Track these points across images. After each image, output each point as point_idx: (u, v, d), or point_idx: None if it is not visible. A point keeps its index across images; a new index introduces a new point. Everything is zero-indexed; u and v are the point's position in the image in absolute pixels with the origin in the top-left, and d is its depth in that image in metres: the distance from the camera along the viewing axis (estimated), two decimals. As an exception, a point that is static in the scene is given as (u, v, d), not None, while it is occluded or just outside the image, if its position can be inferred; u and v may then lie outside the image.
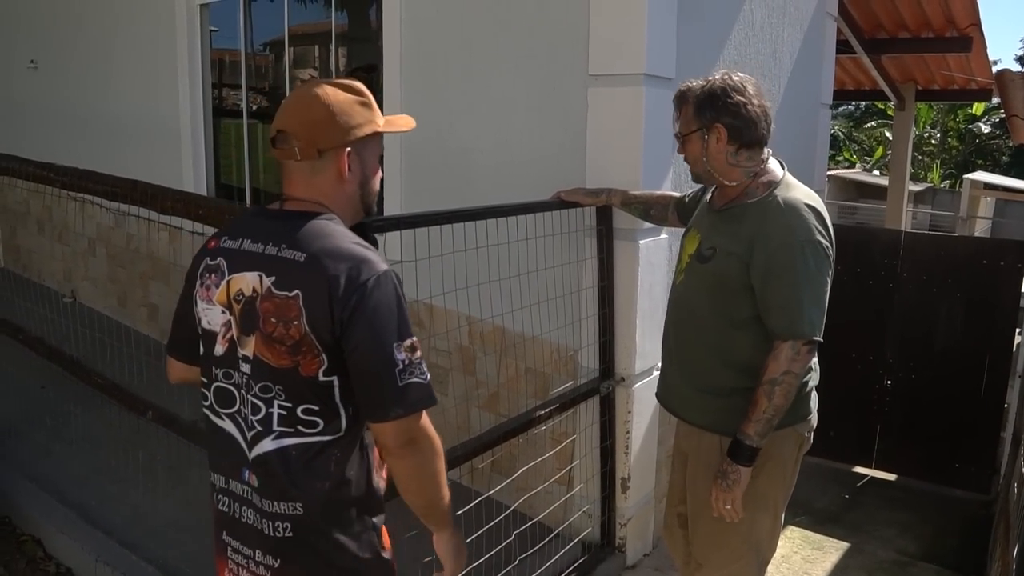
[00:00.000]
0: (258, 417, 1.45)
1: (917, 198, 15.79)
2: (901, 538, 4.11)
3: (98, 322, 5.26)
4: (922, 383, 4.84)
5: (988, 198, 15.06)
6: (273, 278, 1.41)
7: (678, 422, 2.40)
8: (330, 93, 1.50)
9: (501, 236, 2.71)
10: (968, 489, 4.79)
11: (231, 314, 1.46)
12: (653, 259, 3.29)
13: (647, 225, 3.21)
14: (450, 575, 1.63)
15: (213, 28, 5.28)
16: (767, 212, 2.08)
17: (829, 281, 2.08)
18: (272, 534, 1.46)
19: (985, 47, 6.17)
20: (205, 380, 1.55)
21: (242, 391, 1.47)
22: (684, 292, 2.29)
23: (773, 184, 2.13)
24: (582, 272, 3.22)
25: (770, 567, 3.60)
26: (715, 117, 2.09)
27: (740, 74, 2.14)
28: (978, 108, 20.54)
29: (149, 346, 4.38)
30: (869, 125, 22.97)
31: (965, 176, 14.92)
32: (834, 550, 3.86)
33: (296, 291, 1.39)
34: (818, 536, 3.98)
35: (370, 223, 2.06)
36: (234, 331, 1.46)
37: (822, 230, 2.06)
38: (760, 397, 2.03)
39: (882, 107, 19.43)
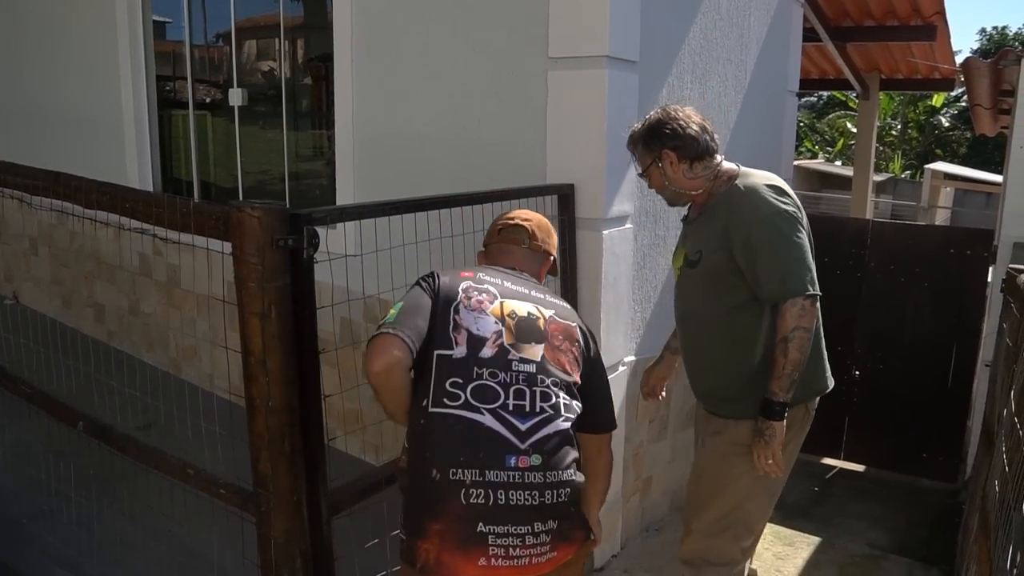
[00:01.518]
0: (549, 403, 1.79)
1: (879, 188, 15.91)
2: (872, 531, 4.06)
3: (42, 325, 5.01)
4: (890, 373, 4.79)
5: (948, 188, 15.23)
6: (552, 311, 1.93)
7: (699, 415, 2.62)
8: (546, 220, 2.25)
9: (459, 228, 2.56)
10: (936, 479, 4.76)
11: (503, 326, 1.83)
12: (618, 250, 3.16)
13: (611, 214, 3.08)
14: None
15: (167, 19, 5.06)
16: (731, 200, 2.30)
17: (806, 241, 2.25)
18: (555, 500, 1.75)
19: (949, 36, 6.14)
20: (460, 380, 1.76)
21: (514, 387, 1.78)
22: (683, 299, 2.50)
23: (733, 176, 2.35)
24: (544, 264, 3.08)
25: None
26: (660, 145, 2.33)
27: (673, 106, 2.40)
28: (938, 100, 20.79)
29: (98, 351, 4.16)
30: (831, 116, 23.14)
31: (926, 166, 15.08)
32: (805, 545, 3.79)
33: (575, 323, 1.96)
34: (788, 531, 3.91)
35: (307, 215, 1.91)
36: (505, 339, 1.82)
37: (784, 200, 2.25)
38: (777, 356, 2.20)
39: (843, 98, 19.55)
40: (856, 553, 3.77)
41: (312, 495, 2.01)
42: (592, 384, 1.94)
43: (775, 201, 2.23)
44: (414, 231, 2.42)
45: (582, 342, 1.96)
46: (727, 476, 2.40)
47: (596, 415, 1.94)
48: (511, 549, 1.72)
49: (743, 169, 2.37)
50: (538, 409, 1.78)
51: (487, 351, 1.79)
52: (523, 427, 1.75)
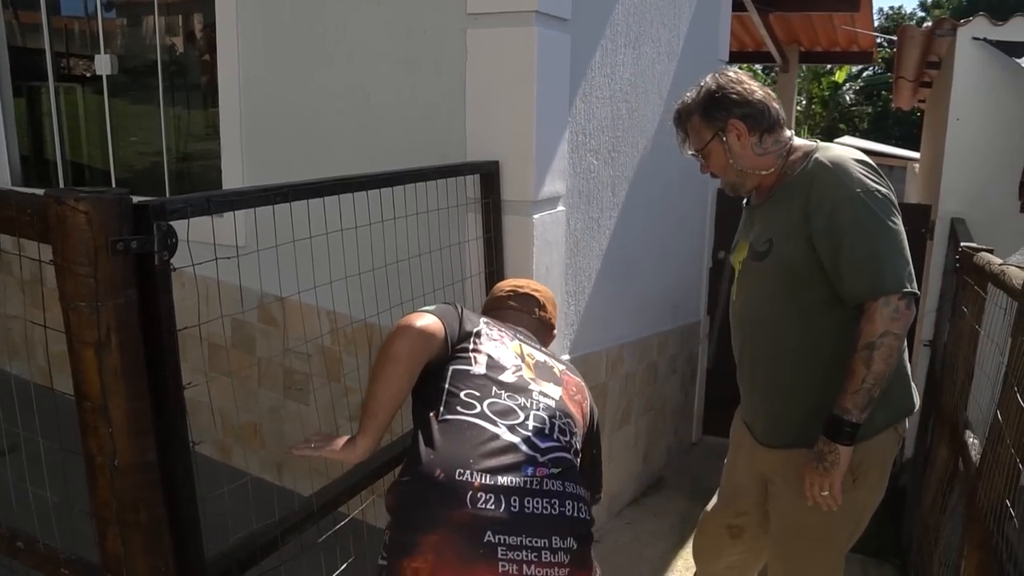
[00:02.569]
0: (566, 438, 1.66)
1: (787, 163, 16.07)
2: (818, 528, 3.83)
3: None
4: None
5: (853, 162, 15.49)
6: (563, 366, 1.87)
7: (744, 434, 2.19)
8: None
9: (363, 216, 2.11)
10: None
11: (523, 363, 1.75)
12: (550, 236, 2.77)
13: (542, 195, 2.68)
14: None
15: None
16: (814, 175, 1.89)
17: (902, 228, 1.84)
18: (575, 514, 1.55)
19: (871, 7, 6.00)
20: (477, 393, 1.62)
21: (534, 412, 1.64)
22: (745, 301, 2.07)
23: (811, 151, 1.94)
24: (465, 256, 2.66)
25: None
26: (727, 114, 1.94)
27: (731, 69, 2.02)
28: (840, 76, 21.23)
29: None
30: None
31: (836, 141, 15.31)
32: (752, 549, 3.52)
33: (580, 380, 1.89)
34: (733, 533, 3.64)
35: (158, 207, 1.43)
36: (524, 372, 1.73)
37: (877, 179, 1.85)
38: (857, 365, 1.79)
39: (751, 72, 19.70)
40: (806, 554, 3.52)
41: (184, 573, 1.55)
42: (590, 452, 1.84)
43: (866, 178, 1.83)
44: (319, 218, 1.95)
45: (589, 403, 1.86)
46: (821, 526, 1.97)
47: (588, 479, 1.80)
48: (525, 566, 1.46)
49: (821, 144, 1.98)
50: (556, 437, 1.63)
51: (508, 375, 1.68)
52: (542, 445, 1.59)
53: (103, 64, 3.84)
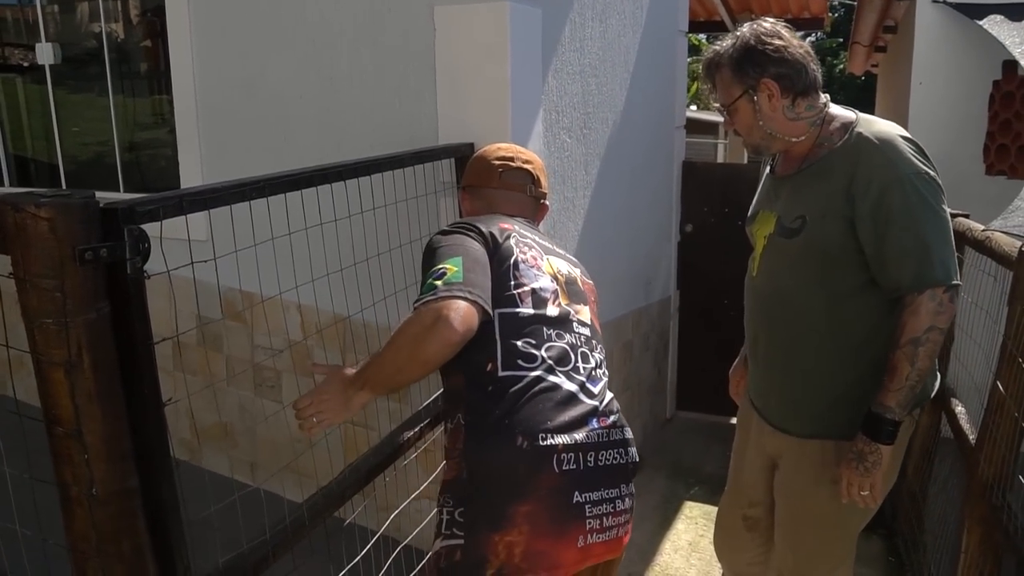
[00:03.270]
0: (603, 368, 1.66)
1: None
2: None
3: None
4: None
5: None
6: (580, 270, 1.78)
7: (750, 416, 2.10)
8: None
9: (331, 205, 1.98)
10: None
11: (558, 284, 1.65)
12: (528, 220, 2.67)
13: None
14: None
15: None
16: (859, 152, 1.75)
17: (948, 215, 1.75)
18: (633, 461, 1.60)
19: (823, -29, 5.97)
20: (533, 341, 1.54)
21: (579, 350, 1.60)
22: (768, 279, 1.93)
23: (850, 123, 1.80)
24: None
25: (680, 558, 3.21)
26: (760, 72, 1.79)
27: (768, 20, 1.83)
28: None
29: None
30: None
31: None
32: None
33: (589, 277, 1.82)
34: (715, 508, 3.62)
35: (128, 210, 1.30)
36: (562, 299, 1.64)
37: (926, 161, 1.73)
38: (900, 362, 1.70)
39: (696, 43, 19.74)
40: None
41: (172, 602, 1.43)
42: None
43: (916, 159, 1.71)
44: (283, 212, 1.82)
45: (597, 301, 1.83)
46: (834, 515, 1.91)
47: None
48: (605, 519, 1.51)
49: (861, 115, 1.83)
50: (599, 374, 1.64)
51: (552, 310, 1.60)
52: (595, 390, 1.59)
53: (45, 53, 3.60)
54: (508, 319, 1.54)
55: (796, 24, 7.83)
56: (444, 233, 1.61)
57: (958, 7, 4.20)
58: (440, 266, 1.49)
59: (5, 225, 1.21)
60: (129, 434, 1.34)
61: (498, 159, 1.85)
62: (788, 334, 1.90)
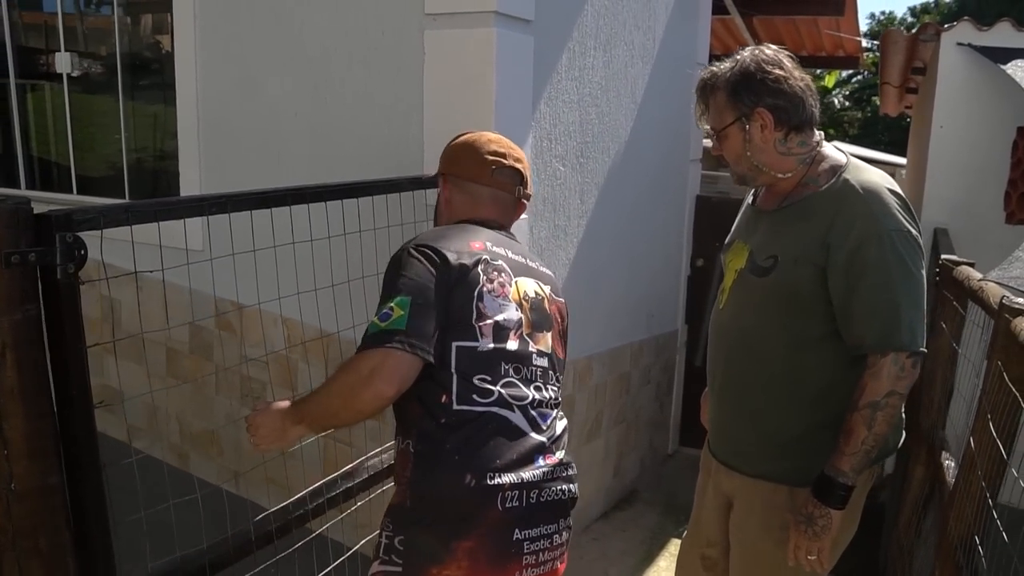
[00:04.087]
0: (555, 402, 1.63)
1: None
2: (792, 544, 3.75)
3: None
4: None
5: (843, 168, 15.44)
6: (548, 287, 1.71)
7: (710, 457, 2.05)
8: None
9: (323, 223, 2.01)
10: (853, 478, 4.51)
11: (522, 312, 1.60)
12: (513, 245, 2.68)
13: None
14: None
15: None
16: (842, 200, 1.70)
17: (924, 277, 1.70)
18: (575, 495, 1.60)
19: (856, 12, 5.92)
20: (489, 377, 1.52)
21: (534, 384, 1.58)
22: (733, 314, 1.88)
23: (839, 167, 1.75)
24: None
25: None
26: (755, 101, 1.72)
27: (771, 47, 1.77)
28: (830, 81, 21.18)
29: None
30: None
31: (823, 146, 15.28)
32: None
33: (562, 300, 1.75)
34: (706, 550, 3.55)
35: (63, 217, 1.34)
36: (524, 328, 1.60)
37: (910, 219, 1.68)
38: (857, 425, 1.66)
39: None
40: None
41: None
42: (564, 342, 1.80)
43: (900, 215, 1.66)
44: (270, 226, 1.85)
45: (565, 308, 1.78)
46: (784, 563, 1.80)
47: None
48: (541, 554, 1.53)
49: (853, 160, 1.78)
50: (551, 406, 1.63)
51: (512, 343, 1.57)
52: (545, 424, 1.58)
53: (63, 62, 3.74)
54: (466, 353, 1.50)
55: (831, 62, 7.77)
56: (409, 255, 1.52)
57: (983, 50, 4.13)
58: (389, 304, 1.45)
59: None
60: (53, 433, 1.38)
61: (491, 154, 1.74)
62: (744, 373, 1.86)
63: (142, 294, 2.88)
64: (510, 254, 1.65)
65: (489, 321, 1.53)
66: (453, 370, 1.49)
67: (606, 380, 3.68)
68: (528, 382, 1.57)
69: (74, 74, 3.81)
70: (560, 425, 1.63)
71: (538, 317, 1.64)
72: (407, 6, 2.51)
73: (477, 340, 1.51)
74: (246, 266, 1.85)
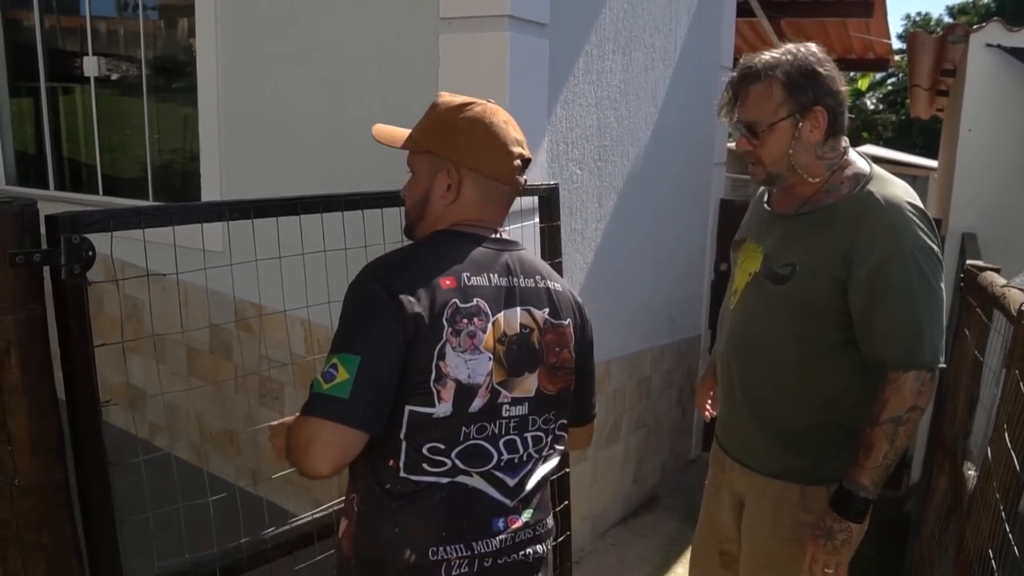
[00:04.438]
0: (538, 446, 1.44)
1: (809, 172, 15.83)
2: (813, 552, 3.70)
3: None
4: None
5: (877, 172, 15.24)
6: (546, 310, 1.44)
7: (721, 452, 2.03)
8: None
9: (344, 232, 2.01)
10: (878, 487, 4.43)
11: (494, 359, 1.35)
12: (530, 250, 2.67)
13: (521, 206, 2.58)
14: None
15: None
16: (864, 214, 1.66)
17: (944, 292, 1.67)
18: (542, 554, 1.46)
19: (885, 13, 5.82)
20: (442, 446, 1.32)
21: (504, 438, 1.39)
22: (746, 317, 1.86)
23: (862, 177, 1.71)
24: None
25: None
26: (816, 98, 1.65)
27: (814, 45, 1.70)
28: (863, 83, 20.92)
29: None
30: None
31: (857, 150, 15.07)
32: (741, 573, 3.40)
33: (567, 319, 1.47)
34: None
35: (71, 219, 1.36)
36: (495, 377, 1.36)
37: (931, 234, 1.66)
38: (878, 439, 1.65)
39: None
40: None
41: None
42: (581, 370, 1.52)
43: (922, 232, 1.63)
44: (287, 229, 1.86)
45: (575, 336, 1.49)
46: (795, 564, 1.79)
47: (583, 406, 1.58)
48: None
49: (876, 170, 1.73)
50: (526, 457, 1.43)
51: (477, 402, 1.34)
52: (512, 482, 1.40)
53: (91, 66, 3.81)
54: (419, 419, 1.30)
55: (862, 65, 7.67)
56: (372, 294, 1.29)
57: (1013, 51, 4.04)
58: (334, 360, 1.26)
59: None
60: (57, 429, 1.40)
61: (515, 144, 1.43)
62: (755, 374, 1.85)
63: (165, 294, 2.92)
64: (495, 278, 1.38)
65: (450, 381, 1.30)
66: (403, 437, 1.30)
67: (625, 385, 3.66)
68: (495, 439, 1.37)
69: (102, 77, 3.88)
70: (537, 475, 1.44)
71: (517, 359, 1.38)
72: (422, 10, 2.52)
73: (433, 405, 1.30)
74: (265, 268, 1.87)
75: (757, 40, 7.00)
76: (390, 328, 1.26)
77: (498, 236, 1.44)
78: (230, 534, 1.83)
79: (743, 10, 5.48)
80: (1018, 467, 1.69)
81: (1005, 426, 1.86)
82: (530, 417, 1.42)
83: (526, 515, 1.41)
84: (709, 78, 4.29)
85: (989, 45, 4.09)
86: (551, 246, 2.35)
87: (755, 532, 1.93)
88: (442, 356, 1.29)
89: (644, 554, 3.50)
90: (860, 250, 1.64)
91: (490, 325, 1.34)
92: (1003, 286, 2.46)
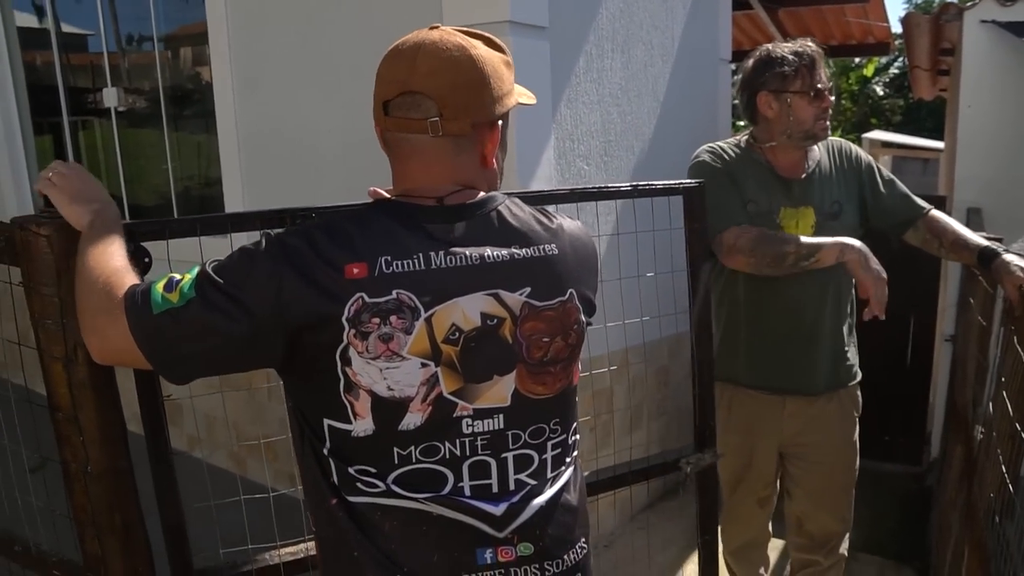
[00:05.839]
0: (530, 470, 1.18)
1: (819, 161, 15.82)
2: (836, 526, 3.77)
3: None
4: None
5: (886, 156, 15.25)
6: (527, 289, 1.14)
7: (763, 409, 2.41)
8: (483, 51, 1.17)
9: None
10: (899, 462, 4.52)
11: (439, 365, 1.11)
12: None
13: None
14: None
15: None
16: (841, 151, 2.34)
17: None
18: None
19: (882, -1, 5.91)
20: (372, 469, 1.12)
21: (469, 461, 1.14)
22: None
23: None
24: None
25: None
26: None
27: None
28: (869, 69, 20.87)
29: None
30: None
31: (864, 135, 15.05)
32: (769, 548, 3.48)
33: (569, 290, 1.18)
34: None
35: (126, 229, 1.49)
36: (444, 386, 1.11)
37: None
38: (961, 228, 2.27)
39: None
40: (823, 554, 3.47)
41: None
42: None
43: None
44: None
45: (585, 296, 1.22)
46: (855, 454, 2.50)
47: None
48: None
49: None
50: (513, 486, 1.17)
51: (412, 419, 1.11)
52: (497, 512, 1.15)
53: (111, 97, 3.98)
54: (339, 436, 1.13)
55: (862, 50, 7.74)
56: (266, 263, 1.08)
57: (1008, 26, 4.12)
58: (186, 275, 1.11)
59: (15, 242, 1.43)
60: (121, 422, 1.54)
61: (404, 73, 1.19)
62: (836, 303, 2.30)
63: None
64: (436, 259, 1.10)
65: (364, 393, 1.10)
66: (327, 453, 1.13)
67: (646, 374, 3.76)
68: (457, 462, 1.14)
69: (121, 109, 4.05)
70: (537, 503, 1.18)
71: (479, 361, 1.12)
72: (426, 20, 2.64)
73: (350, 421, 1.11)
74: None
75: (757, 32, 7.09)
76: (264, 298, 1.06)
77: (448, 202, 1.15)
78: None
79: (739, 3, 5.59)
80: (1013, 417, 1.80)
81: (1003, 379, 1.97)
82: (508, 433, 1.16)
83: (523, 549, 1.17)
84: (708, 72, 4.40)
85: (983, 21, 4.17)
86: (694, 253, 2.15)
87: (831, 445, 2.41)
88: (347, 362, 1.08)
89: (671, 536, 3.60)
90: (854, 168, 2.29)
91: (420, 323, 1.09)
92: (1004, 250, 2.57)
